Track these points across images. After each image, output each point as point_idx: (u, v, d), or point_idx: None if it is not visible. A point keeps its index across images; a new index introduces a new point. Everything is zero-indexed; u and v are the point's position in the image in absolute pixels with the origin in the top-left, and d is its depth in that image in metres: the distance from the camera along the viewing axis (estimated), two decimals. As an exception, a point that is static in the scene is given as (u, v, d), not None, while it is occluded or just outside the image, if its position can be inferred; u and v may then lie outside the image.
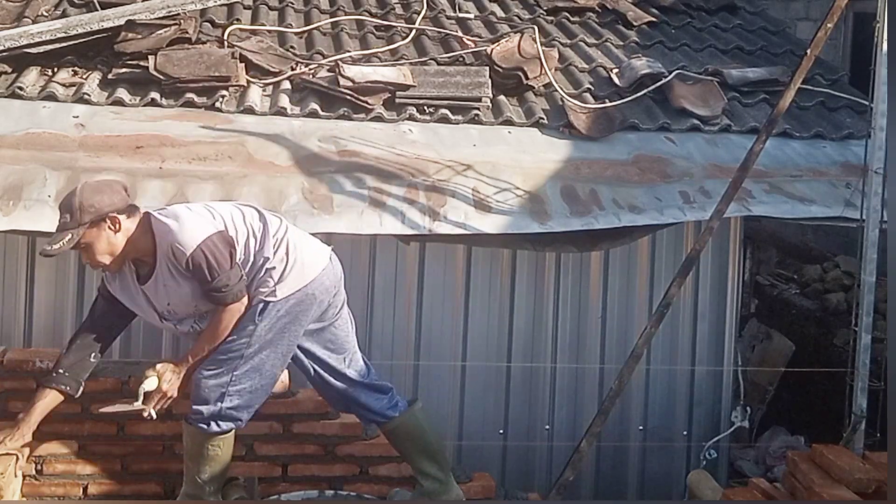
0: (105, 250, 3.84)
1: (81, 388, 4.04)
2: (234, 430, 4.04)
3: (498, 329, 5.50)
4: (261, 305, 3.93)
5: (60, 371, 4.00)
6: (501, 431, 5.51)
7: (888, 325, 4.80)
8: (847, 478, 4.33)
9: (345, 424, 4.54)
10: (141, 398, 3.97)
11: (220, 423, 3.97)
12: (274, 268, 3.91)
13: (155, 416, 3.97)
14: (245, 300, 3.91)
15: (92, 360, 4.04)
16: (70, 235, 3.76)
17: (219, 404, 3.94)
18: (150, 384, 3.96)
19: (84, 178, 4.78)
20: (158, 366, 4.00)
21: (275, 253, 3.92)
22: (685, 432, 5.70)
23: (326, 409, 4.50)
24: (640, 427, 5.66)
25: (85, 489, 4.40)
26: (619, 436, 5.57)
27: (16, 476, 4.12)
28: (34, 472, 4.34)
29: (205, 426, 3.96)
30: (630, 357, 4.69)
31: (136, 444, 4.42)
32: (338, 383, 4.20)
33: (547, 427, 5.55)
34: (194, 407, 3.96)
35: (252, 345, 3.92)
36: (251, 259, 3.91)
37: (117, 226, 3.80)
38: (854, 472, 4.34)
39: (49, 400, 4.01)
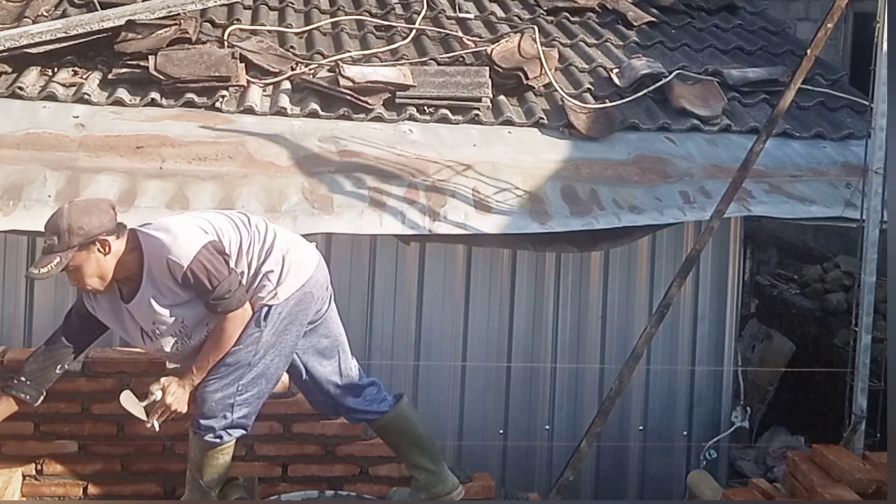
0: (94, 273, 3.71)
1: (41, 398, 3.89)
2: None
3: (498, 329, 5.50)
4: (264, 310, 3.89)
5: (22, 379, 3.86)
6: (501, 431, 5.51)
7: (888, 325, 4.80)
8: (847, 478, 4.33)
9: (345, 424, 4.53)
10: (141, 412, 3.89)
11: (230, 432, 3.96)
12: (271, 271, 3.89)
13: (158, 429, 3.89)
14: (248, 307, 3.85)
15: (57, 371, 3.90)
16: (58, 259, 3.62)
17: (228, 416, 3.93)
18: (154, 396, 3.88)
19: (84, 178, 4.80)
20: (163, 379, 3.91)
21: (268, 257, 3.89)
22: (685, 432, 5.70)
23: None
24: (640, 427, 5.66)
25: (85, 489, 4.40)
26: (619, 436, 5.57)
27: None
28: (34, 472, 4.34)
29: (217, 439, 3.94)
30: (630, 357, 4.69)
31: (136, 444, 4.41)
32: (326, 387, 4.17)
33: (547, 427, 5.55)
34: (203, 422, 3.92)
35: (258, 351, 3.89)
36: (246, 265, 3.87)
37: (107, 248, 3.67)
38: (854, 473, 4.34)
39: (4, 407, 3.88)
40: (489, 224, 4.94)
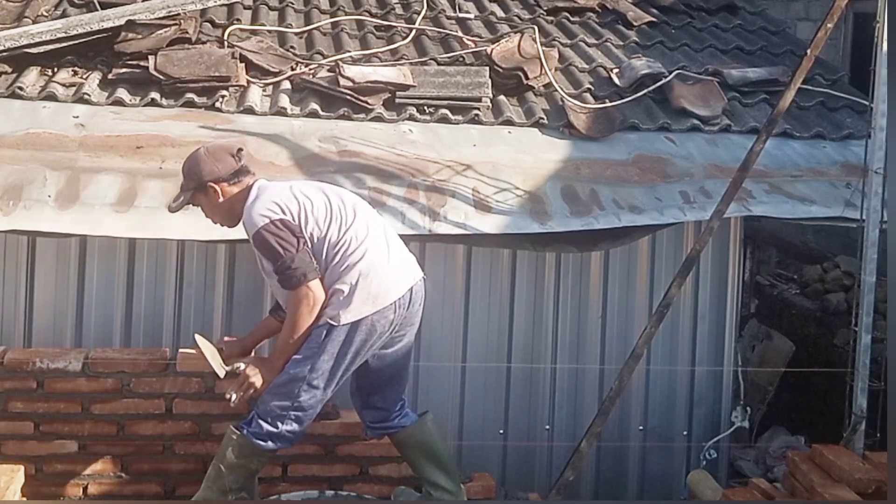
0: (211, 212, 4.12)
1: None
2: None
3: (498, 329, 5.49)
4: (326, 328, 3.93)
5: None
6: (501, 431, 5.50)
7: (888, 325, 4.80)
8: (847, 478, 4.34)
9: (345, 424, 4.54)
10: (219, 366, 4.09)
11: (276, 442, 3.99)
12: (341, 290, 3.91)
13: (234, 403, 4.00)
14: (317, 287, 3.89)
15: None
16: (182, 197, 4.09)
17: (280, 426, 3.96)
18: (238, 366, 4.06)
19: (84, 178, 4.80)
20: (248, 358, 4.10)
21: (343, 273, 3.92)
22: (685, 432, 5.69)
23: (326, 409, 4.50)
24: (640, 427, 5.66)
25: (85, 489, 4.41)
26: (619, 436, 5.57)
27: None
28: (34, 472, 4.34)
29: (261, 442, 3.97)
30: (630, 357, 4.69)
31: (136, 444, 4.42)
32: (360, 397, 4.25)
33: (547, 427, 5.55)
34: (253, 423, 3.98)
35: (316, 370, 3.93)
36: (325, 268, 3.92)
37: (217, 193, 4.02)
38: (854, 472, 4.35)
39: (273, 328, 4.24)
40: (489, 224, 4.94)
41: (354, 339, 3.93)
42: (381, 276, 3.96)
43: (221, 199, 4.03)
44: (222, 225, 4.17)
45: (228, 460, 4.01)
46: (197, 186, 4.04)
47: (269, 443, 3.98)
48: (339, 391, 4.55)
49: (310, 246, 3.90)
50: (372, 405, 4.24)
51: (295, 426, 3.98)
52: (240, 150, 4.13)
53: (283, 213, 3.89)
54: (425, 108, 5.71)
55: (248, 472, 4.05)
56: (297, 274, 3.86)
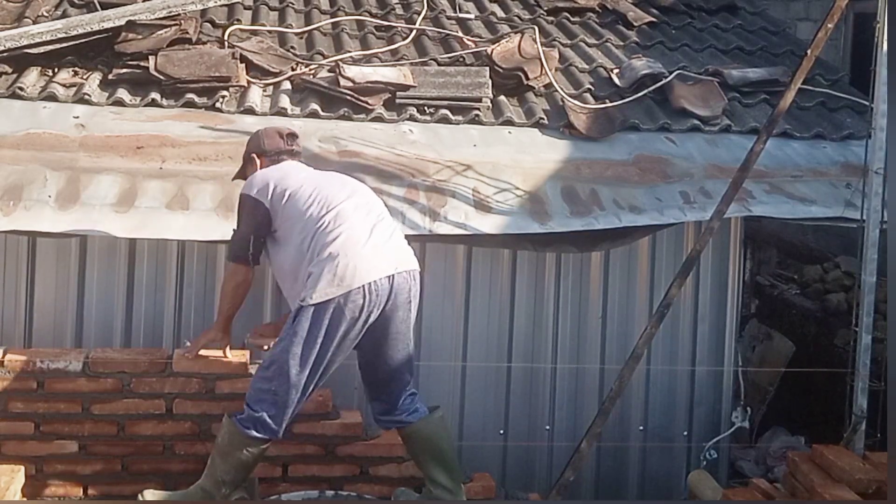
0: None
1: None
2: (268, 444, 4.08)
3: (498, 329, 5.49)
4: (297, 309, 3.96)
5: None
6: (502, 431, 5.50)
7: (888, 325, 4.79)
8: (847, 478, 4.34)
9: (345, 424, 4.54)
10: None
11: (259, 429, 3.99)
12: (312, 271, 3.94)
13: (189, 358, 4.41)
14: (241, 269, 4.17)
15: None
16: (240, 168, 4.52)
17: (259, 409, 3.98)
18: None
19: (84, 178, 4.81)
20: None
21: (316, 254, 3.96)
22: (685, 433, 5.69)
23: (326, 409, 4.50)
24: (641, 427, 5.66)
25: (85, 489, 4.41)
26: (620, 436, 5.57)
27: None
28: (34, 472, 4.34)
29: (244, 429, 3.99)
30: (630, 357, 4.69)
31: (136, 444, 4.42)
32: (365, 387, 4.29)
33: (547, 427, 5.54)
34: (245, 407, 4.03)
35: (288, 351, 3.94)
36: (308, 249, 4.00)
37: (256, 166, 4.34)
38: (854, 473, 4.35)
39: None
40: (489, 224, 4.95)
41: (322, 321, 3.90)
42: (350, 259, 3.93)
43: (259, 169, 4.31)
44: None
45: (221, 448, 4.05)
46: (247, 158, 4.41)
47: (252, 430, 3.98)
48: (339, 392, 4.57)
49: (280, 229, 4.10)
50: (377, 398, 4.27)
51: (273, 411, 3.97)
52: (290, 134, 4.44)
53: (265, 195, 4.10)
54: (425, 108, 5.71)
55: (238, 464, 4.04)
56: (237, 249, 4.16)
